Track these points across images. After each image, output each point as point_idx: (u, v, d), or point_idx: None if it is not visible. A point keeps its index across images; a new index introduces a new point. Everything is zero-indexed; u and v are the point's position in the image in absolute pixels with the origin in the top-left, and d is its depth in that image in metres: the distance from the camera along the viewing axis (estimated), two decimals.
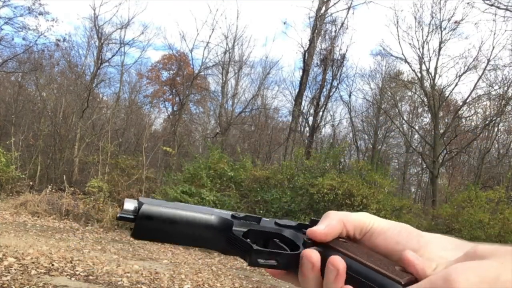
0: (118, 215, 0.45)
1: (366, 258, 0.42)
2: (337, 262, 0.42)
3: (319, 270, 0.44)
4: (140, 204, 0.45)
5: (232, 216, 0.49)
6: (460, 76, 18.84)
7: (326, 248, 0.45)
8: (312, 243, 0.46)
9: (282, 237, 0.49)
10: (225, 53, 22.59)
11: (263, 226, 0.50)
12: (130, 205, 0.45)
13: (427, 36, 19.26)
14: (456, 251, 0.41)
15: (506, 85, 19.08)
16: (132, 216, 0.44)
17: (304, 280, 0.45)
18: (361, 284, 0.41)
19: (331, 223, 0.47)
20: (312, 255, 0.44)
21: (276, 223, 0.51)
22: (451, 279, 0.33)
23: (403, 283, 0.39)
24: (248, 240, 0.47)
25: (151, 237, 0.46)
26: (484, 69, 18.64)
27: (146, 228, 0.45)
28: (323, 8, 18.65)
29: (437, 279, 0.35)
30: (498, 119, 19.76)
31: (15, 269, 5.58)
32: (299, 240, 0.48)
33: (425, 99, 19.78)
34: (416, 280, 0.40)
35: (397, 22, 23.49)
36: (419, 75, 19.45)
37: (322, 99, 20.62)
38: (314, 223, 0.49)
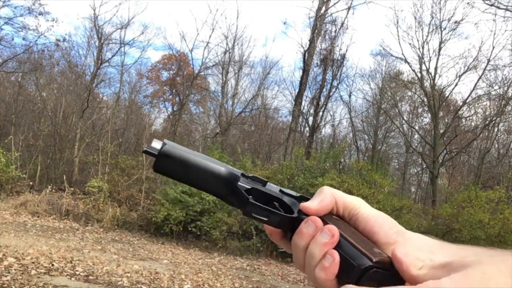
0: (144, 149, 0.52)
1: (350, 235, 0.46)
2: (334, 229, 0.46)
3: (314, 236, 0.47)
4: (164, 144, 0.52)
5: (242, 173, 0.54)
6: (460, 76, 18.86)
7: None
8: (307, 215, 0.50)
9: (281, 202, 0.54)
10: (225, 53, 22.60)
11: (267, 189, 0.55)
12: (156, 144, 0.52)
13: (427, 36, 19.28)
14: (432, 254, 0.43)
15: (506, 85, 19.09)
16: (155, 152, 0.52)
17: (300, 239, 0.48)
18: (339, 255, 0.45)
19: (324, 200, 0.50)
20: (317, 219, 0.48)
21: (280, 190, 0.55)
22: None
23: (374, 260, 0.42)
24: (250, 197, 0.52)
25: (167, 173, 0.53)
26: (484, 69, 18.66)
27: (164, 164, 0.52)
28: (323, 8, 18.65)
29: None
30: (498, 119, 19.76)
31: (15, 269, 5.58)
32: (295, 208, 0.53)
33: (425, 99, 19.78)
34: (390, 261, 0.43)
35: (397, 22, 23.52)
36: (419, 75, 19.45)
37: (322, 99, 20.63)
38: None
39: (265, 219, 0.51)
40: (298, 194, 0.55)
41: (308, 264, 0.47)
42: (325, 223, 0.48)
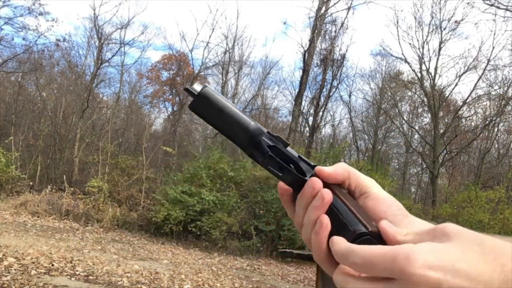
0: (185, 87, 0.56)
1: (353, 205, 0.49)
2: (326, 194, 0.49)
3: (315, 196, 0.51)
4: (205, 86, 0.56)
5: (267, 131, 0.57)
6: (460, 76, 18.87)
7: (327, 187, 0.52)
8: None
9: (297, 166, 0.57)
10: (225, 53, 22.61)
11: (287, 150, 0.58)
12: (198, 86, 0.56)
13: (427, 36, 19.28)
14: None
15: (506, 85, 19.10)
16: (195, 92, 0.55)
17: (300, 198, 0.52)
18: (338, 219, 0.48)
19: (338, 169, 0.53)
20: (318, 182, 0.51)
21: (299, 156, 0.58)
22: (411, 258, 0.37)
23: (369, 229, 0.45)
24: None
25: (201, 114, 0.57)
26: (484, 69, 18.67)
27: (201, 105, 0.56)
28: (323, 8, 18.65)
29: (400, 252, 0.38)
30: (498, 119, 19.76)
31: (15, 269, 5.58)
32: (309, 174, 0.56)
33: (425, 99, 19.78)
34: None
35: (397, 22, 23.53)
36: (419, 75, 19.45)
37: (322, 99, 20.62)
38: None
39: (279, 174, 0.55)
40: (314, 164, 0.58)
41: (305, 225, 0.50)
42: (332, 192, 0.50)
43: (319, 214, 0.48)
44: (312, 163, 0.58)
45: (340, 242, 0.44)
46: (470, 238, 0.38)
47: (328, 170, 0.53)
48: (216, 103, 0.56)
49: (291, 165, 0.57)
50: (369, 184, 0.53)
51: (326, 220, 0.47)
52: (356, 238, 0.45)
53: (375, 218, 0.50)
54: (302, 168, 0.56)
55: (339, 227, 0.47)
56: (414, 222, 0.48)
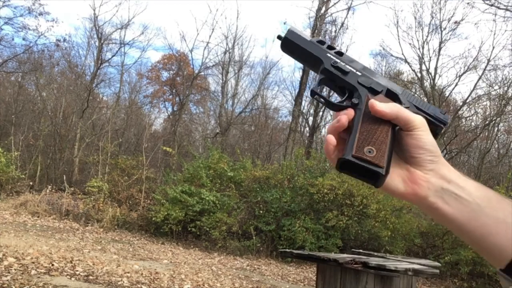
0: (278, 35, 0.75)
1: (365, 130, 0.60)
2: (343, 118, 0.60)
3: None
4: (288, 30, 0.75)
5: (332, 63, 0.71)
6: (460, 76, 18.85)
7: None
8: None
9: (350, 93, 0.69)
10: (225, 53, 22.62)
11: (348, 78, 0.70)
12: (287, 30, 0.75)
13: (427, 36, 19.26)
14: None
15: (506, 85, 19.08)
16: (282, 36, 0.75)
17: (334, 117, 0.63)
18: (349, 135, 0.60)
19: (386, 109, 0.60)
20: (351, 115, 0.62)
21: (358, 82, 0.69)
22: None
23: (353, 153, 0.56)
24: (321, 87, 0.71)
25: (287, 51, 0.76)
26: (484, 69, 18.64)
27: (286, 44, 0.74)
28: (323, 8, 18.65)
29: None
30: (498, 119, 19.75)
31: (15, 269, 5.58)
32: (361, 98, 0.66)
33: (425, 99, 19.73)
34: (373, 162, 0.55)
35: (397, 22, 23.57)
36: (419, 75, 19.45)
37: None
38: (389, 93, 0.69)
39: (322, 101, 0.68)
40: (380, 89, 0.68)
41: (331, 124, 0.63)
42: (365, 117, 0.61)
43: (342, 117, 0.60)
44: (377, 89, 0.68)
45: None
46: None
47: (378, 107, 0.60)
48: (297, 43, 0.73)
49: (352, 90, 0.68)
50: (417, 125, 0.59)
51: (345, 119, 0.59)
52: (340, 161, 0.57)
53: (408, 154, 0.59)
54: (359, 93, 0.67)
55: (345, 142, 0.59)
56: (439, 169, 0.57)
